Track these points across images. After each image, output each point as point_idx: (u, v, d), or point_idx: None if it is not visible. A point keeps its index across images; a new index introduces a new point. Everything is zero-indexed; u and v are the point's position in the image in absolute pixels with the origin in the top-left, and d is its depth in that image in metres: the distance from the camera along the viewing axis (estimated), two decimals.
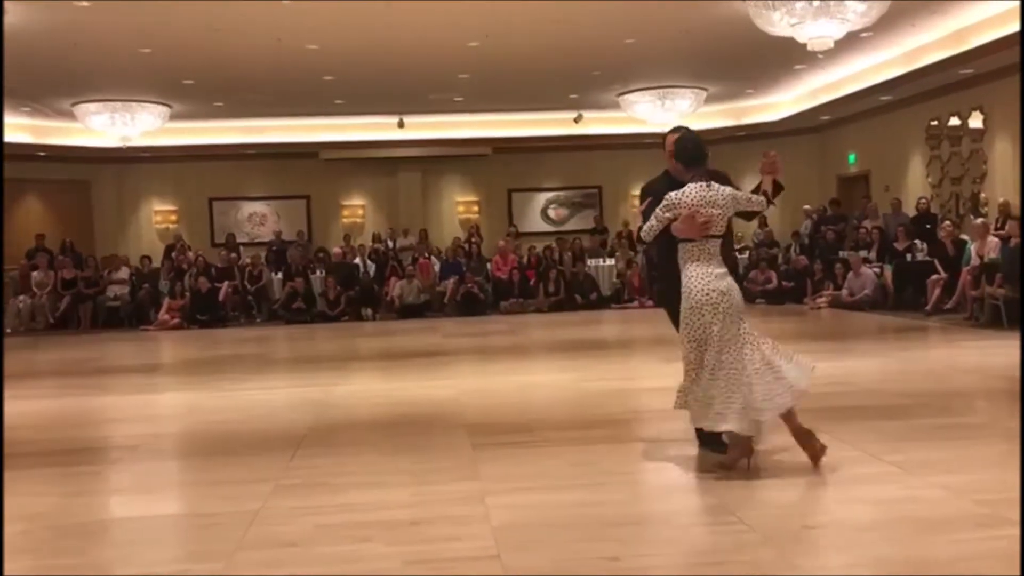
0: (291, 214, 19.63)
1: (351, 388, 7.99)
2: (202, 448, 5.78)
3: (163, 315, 15.28)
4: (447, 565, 3.37)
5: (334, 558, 3.49)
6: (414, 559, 3.44)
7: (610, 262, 17.27)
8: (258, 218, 19.74)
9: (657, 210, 4.53)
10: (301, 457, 5.20)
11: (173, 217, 19.56)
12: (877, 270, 13.79)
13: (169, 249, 17.81)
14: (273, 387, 8.26)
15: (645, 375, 8.46)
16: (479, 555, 3.44)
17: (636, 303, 16.03)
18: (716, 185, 4.50)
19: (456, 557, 3.45)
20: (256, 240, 19.14)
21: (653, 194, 4.72)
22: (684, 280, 4.48)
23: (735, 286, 4.51)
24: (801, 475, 4.40)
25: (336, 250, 17.22)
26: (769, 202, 4.71)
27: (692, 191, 4.46)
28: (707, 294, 4.40)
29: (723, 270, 4.49)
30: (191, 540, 3.92)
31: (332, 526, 3.87)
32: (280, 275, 16.63)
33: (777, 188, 4.77)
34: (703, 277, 4.42)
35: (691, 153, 4.60)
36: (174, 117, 16.23)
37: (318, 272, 16.50)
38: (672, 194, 4.50)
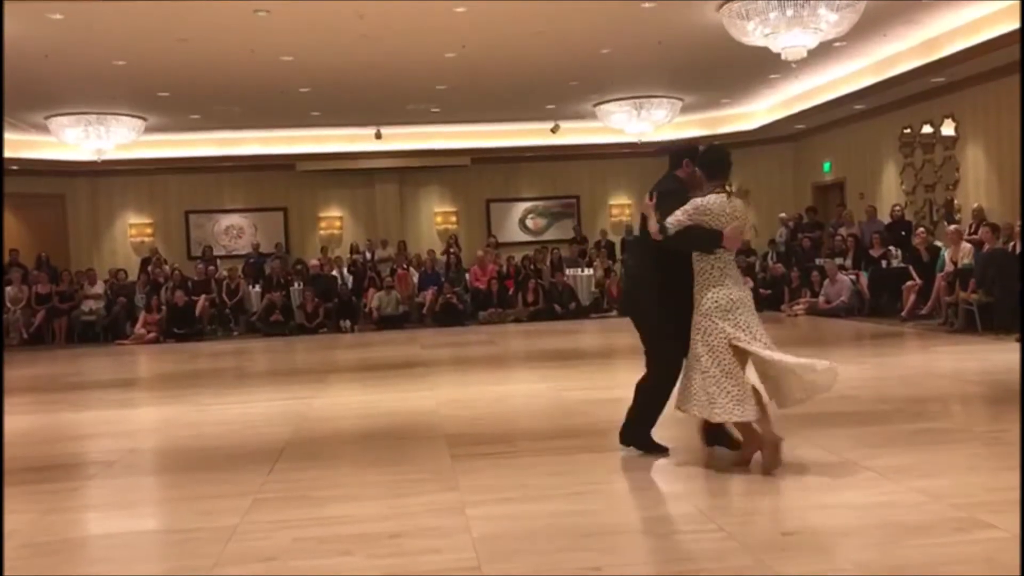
0: (268, 226, 19.55)
1: (330, 400, 7.95)
2: (179, 463, 5.73)
3: (139, 329, 15.15)
4: None
5: (313, 572, 3.47)
6: (394, 572, 3.42)
7: (589, 272, 17.31)
8: (235, 231, 19.64)
9: (683, 210, 4.65)
10: (279, 471, 5.17)
11: (149, 230, 19.43)
12: (853, 277, 13.90)
13: (145, 262, 17.68)
14: (251, 401, 8.20)
15: (625, 384, 8.43)
16: (459, 567, 3.43)
17: (615, 312, 16.08)
18: (734, 199, 4.68)
19: (436, 570, 3.43)
20: (233, 253, 19.05)
21: (667, 193, 4.88)
22: (706, 289, 4.68)
23: (749, 295, 4.79)
24: (779, 482, 4.43)
25: (314, 262, 17.17)
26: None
27: (717, 201, 4.63)
28: (729, 301, 4.63)
29: (739, 278, 4.79)
30: (169, 556, 3.88)
31: (311, 540, 3.84)
32: (258, 288, 16.56)
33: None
34: (723, 286, 4.65)
35: (716, 164, 4.76)
36: (149, 130, 16.14)
37: (296, 284, 16.43)
38: (700, 201, 4.65)
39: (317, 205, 19.89)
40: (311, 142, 18.31)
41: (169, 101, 14.44)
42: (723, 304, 4.62)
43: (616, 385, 8.40)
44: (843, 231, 15.22)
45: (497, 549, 3.60)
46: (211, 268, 17.03)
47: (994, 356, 8.70)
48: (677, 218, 4.65)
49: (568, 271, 17.05)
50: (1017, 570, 3.17)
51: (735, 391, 4.56)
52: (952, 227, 12.44)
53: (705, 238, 4.62)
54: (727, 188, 4.69)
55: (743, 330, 4.60)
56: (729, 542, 3.61)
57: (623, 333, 13.61)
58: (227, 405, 7.90)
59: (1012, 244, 10.98)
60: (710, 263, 4.66)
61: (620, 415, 6.77)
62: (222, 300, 16.23)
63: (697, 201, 4.65)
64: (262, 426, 6.72)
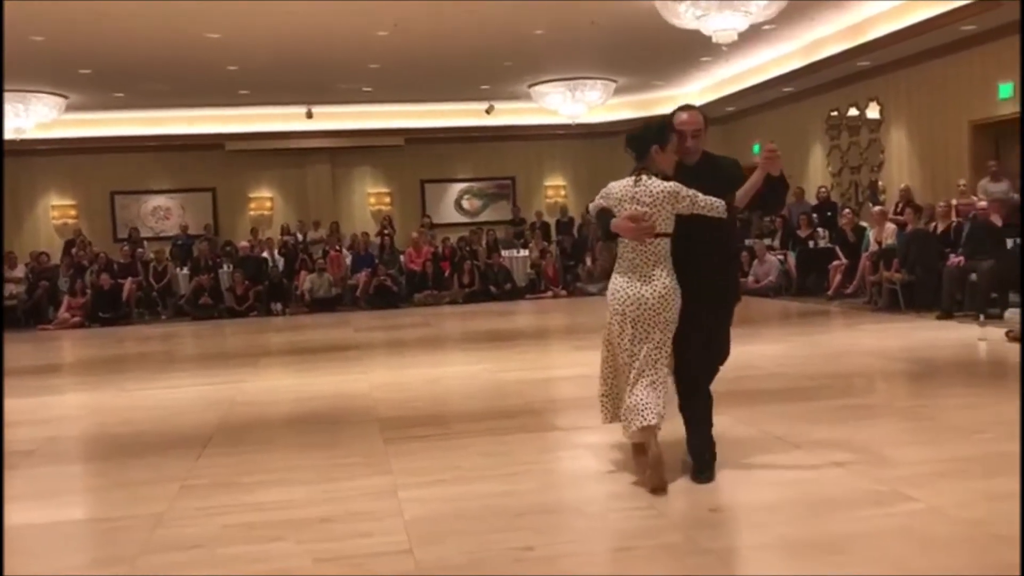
0: (196, 207, 19.15)
1: (261, 385, 7.83)
2: (104, 450, 5.59)
3: (63, 313, 14.73)
4: (358, 561, 3.33)
5: (242, 558, 3.42)
6: (324, 556, 3.38)
7: (525, 253, 17.34)
8: (162, 212, 19.19)
9: (600, 194, 4.27)
10: (208, 456, 5.08)
11: (72, 212, 18.86)
12: (781, 257, 14.17)
13: (69, 245, 17.17)
14: (179, 385, 8.04)
15: (559, 364, 8.53)
16: (391, 550, 3.41)
17: (550, 293, 16.16)
18: (647, 180, 4.07)
19: (368, 553, 3.41)
20: (160, 235, 18.63)
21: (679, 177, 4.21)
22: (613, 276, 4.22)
23: (665, 295, 4.06)
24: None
25: (244, 244, 16.87)
26: (757, 199, 4.29)
27: (618, 185, 4.18)
28: (612, 293, 4.18)
29: (657, 272, 4.07)
30: (94, 545, 3.79)
31: (240, 526, 3.78)
32: (186, 270, 16.23)
33: (778, 186, 4.33)
34: (620, 276, 4.14)
35: (633, 143, 4.20)
36: (71, 108, 15.64)
37: (225, 267, 16.14)
38: (611, 183, 4.22)
39: (247, 186, 19.53)
40: (240, 121, 17.95)
41: (91, 78, 13.99)
42: (609, 295, 4.22)
43: (551, 365, 8.47)
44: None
45: (429, 531, 3.59)
46: (138, 250, 16.66)
47: (916, 334, 8.96)
48: (596, 200, 4.31)
49: (504, 252, 17.06)
50: (936, 540, 3.27)
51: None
52: (876, 208, 12.76)
53: (601, 222, 4.20)
54: (642, 171, 4.12)
55: (616, 331, 4.17)
56: (659, 520, 3.65)
57: (558, 314, 13.73)
58: (154, 390, 7.73)
59: (933, 225, 11.30)
60: (621, 249, 4.16)
61: (555, 395, 6.84)
62: (149, 283, 15.90)
63: (609, 184, 4.26)
64: (190, 411, 6.59)
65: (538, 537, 3.49)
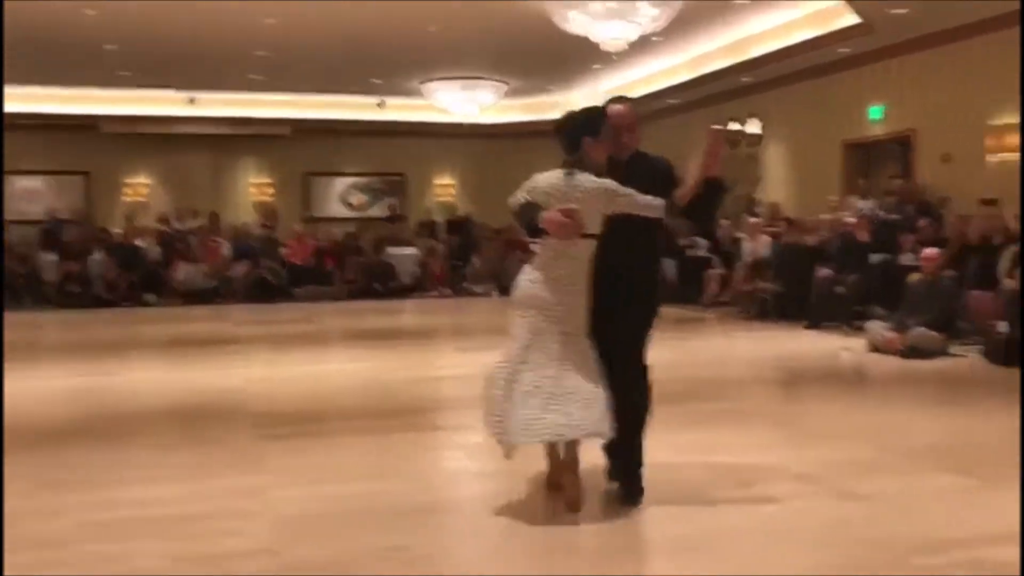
0: (67, 191, 18.23)
1: (130, 377, 7.53)
2: None
3: None
4: (220, 561, 3.22)
5: (97, 557, 3.26)
6: (184, 556, 3.26)
7: (411, 251, 17.20)
8: (29, 194, 18.23)
9: (522, 187, 3.91)
10: (67, 452, 4.85)
11: None
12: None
13: None
14: (41, 377, 7.64)
15: (442, 364, 8.50)
16: (256, 549, 3.31)
17: (436, 293, 16.09)
18: (579, 176, 3.73)
19: (230, 552, 3.30)
20: (27, 218, 17.65)
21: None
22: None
23: (572, 308, 3.77)
24: (580, 459, 4.54)
25: (117, 231, 16.18)
26: (697, 202, 3.84)
27: (545, 178, 3.83)
28: (514, 291, 3.90)
29: (567, 274, 3.76)
30: None
31: (97, 524, 3.62)
32: (54, 256, 15.45)
33: (715, 188, 3.88)
34: (527, 274, 3.85)
35: (560, 134, 3.88)
36: None
37: (96, 254, 15.44)
38: (537, 176, 3.88)
39: (122, 170, 18.74)
40: (117, 103, 17.18)
41: None
42: (514, 293, 3.91)
43: (434, 365, 8.43)
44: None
45: (297, 531, 3.50)
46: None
47: (786, 342, 9.32)
48: (518, 194, 3.92)
49: (389, 250, 16.88)
50: (793, 539, 3.40)
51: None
52: (753, 220, 13.21)
53: (526, 216, 3.81)
54: (574, 165, 3.78)
55: (514, 335, 3.83)
56: (531, 520, 3.67)
57: (443, 313, 13.69)
58: (13, 381, 7.30)
59: (805, 238, 11.75)
60: (541, 247, 3.82)
61: (437, 395, 6.79)
62: (12, 268, 15.05)
63: (534, 176, 3.92)
64: (51, 404, 6.28)
65: (411, 537, 3.45)
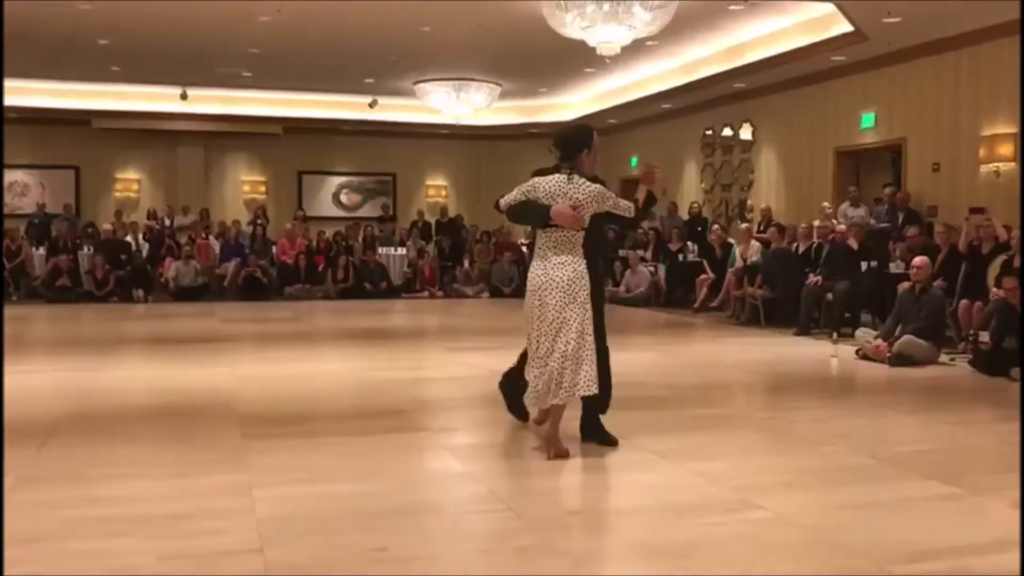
0: (57, 185, 18.20)
1: (116, 374, 7.49)
2: None
3: None
4: (205, 560, 3.21)
5: (81, 554, 3.24)
6: (169, 554, 3.24)
7: (401, 251, 17.20)
8: (19, 188, 18.17)
9: (518, 188, 4.70)
10: (53, 447, 4.81)
11: None
12: (652, 269, 14.53)
13: None
14: (27, 371, 7.58)
15: (431, 365, 8.48)
16: (240, 548, 3.29)
17: (427, 293, 16.08)
18: (578, 179, 4.59)
19: (215, 551, 3.28)
20: (16, 212, 17.61)
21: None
22: (540, 265, 4.66)
23: (574, 278, 4.59)
24: (568, 464, 4.54)
25: (107, 226, 16.14)
26: (638, 211, 4.86)
27: (551, 181, 4.61)
28: (530, 279, 4.66)
29: (570, 259, 4.60)
30: None
31: (81, 520, 3.59)
32: (43, 250, 15.40)
33: (649, 199, 4.98)
34: (536, 262, 4.66)
35: (564, 144, 4.72)
36: None
37: (86, 248, 15.40)
38: (537, 179, 4.66)
39: (113, 166, 18.71)
40: (110, 98, 17.14)
41: None
42: (528, 281, 4.69)
43: (422, 366, 8.40)
44: (645, 224, 15.83)
45: (282, 531, 3.49)
46: None
47: (775, 348, 9.33)
48: (513, 195, 4.71)
49: (381, 249, 16.87)
50: (780, 546, 3.40)
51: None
52: (744, 225, 13.24)
53: (533, 213, 4.63)
54: (572, 171, 4.63)
55: (536, 314, 4.62)
56: (516, 521, 3.66)
57: (433, 313, 13.66)
58: None
59: (795, 244, 11.80)
60: (540, 239, 4.66)
61: (424, 396, 6.78)
62: (1, 262, 14.98)
63: (534, 180, 4.69)
64: (37, 399, 6.24)
65: (394, 538, 3.44)
